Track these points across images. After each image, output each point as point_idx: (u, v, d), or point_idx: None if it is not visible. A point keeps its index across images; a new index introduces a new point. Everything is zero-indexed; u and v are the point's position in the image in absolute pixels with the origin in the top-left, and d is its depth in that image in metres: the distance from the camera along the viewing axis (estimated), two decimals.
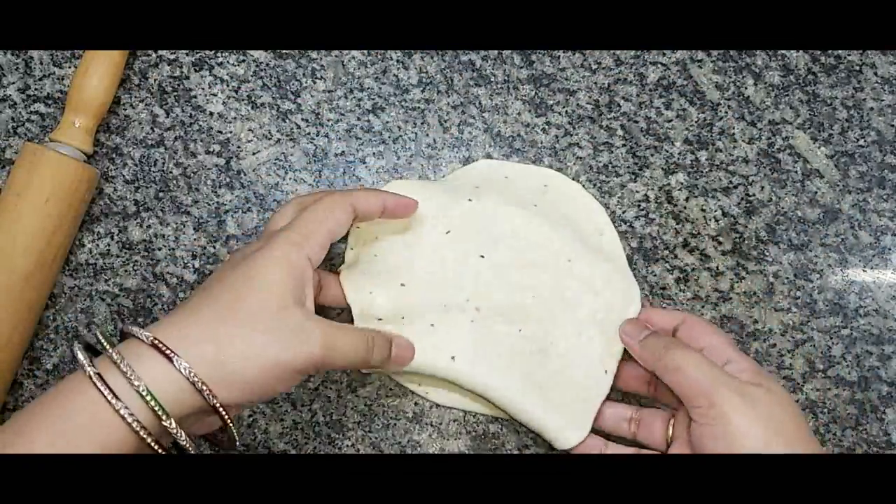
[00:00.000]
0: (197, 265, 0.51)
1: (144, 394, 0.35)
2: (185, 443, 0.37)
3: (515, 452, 0.50)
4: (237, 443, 0.40)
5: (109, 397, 0.35)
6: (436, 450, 0.50)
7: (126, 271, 0.51)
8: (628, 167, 0.53)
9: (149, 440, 0.35)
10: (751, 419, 0.40)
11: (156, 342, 0.36)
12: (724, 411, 0.40)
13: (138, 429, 0.35)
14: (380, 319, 0.47)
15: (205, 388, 0.36)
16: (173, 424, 0.36)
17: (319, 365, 0.40)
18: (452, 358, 0.47)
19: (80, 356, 0.36)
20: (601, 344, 0.48)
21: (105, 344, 0.37)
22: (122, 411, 0.35)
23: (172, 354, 0.36)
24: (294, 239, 0.40)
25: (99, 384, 0.35)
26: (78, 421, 0.35)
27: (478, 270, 0.48)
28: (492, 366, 0.47)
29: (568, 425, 0.47)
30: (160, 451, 0.36)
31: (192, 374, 0.36)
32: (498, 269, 0.48)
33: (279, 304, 0.39)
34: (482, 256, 0.48)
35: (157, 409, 0.35)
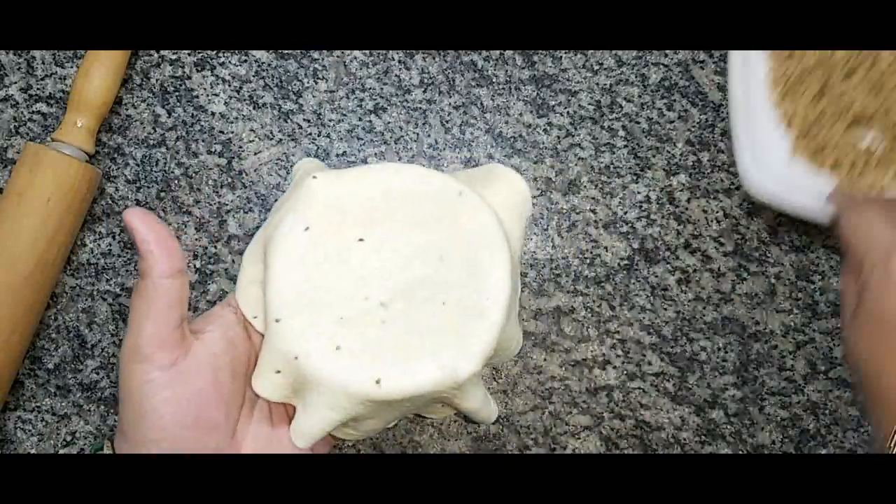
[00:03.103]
0: (198, 265, 0.51)
1: None
2: None
3: (516, 453, 0.50)
4: None
5: None
6: (436, 450, 0.50)
7: (127, 271, 0.51)
8: (630, 168, 0.53)
9: None
10: None
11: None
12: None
13: None
14: (296, 358, 0.37)
15: None
16: None
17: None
18: (377, 382, 0.36)
19: None
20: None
21: None
22: None
23: None
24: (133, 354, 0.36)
25: None
26: None
27: (362, 257, 0.37)
28: (410, 361, 0.37)
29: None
30: None
31: None
32: (382, 245, 0.38)
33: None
34: (361, 240, 0.38)
35: None
